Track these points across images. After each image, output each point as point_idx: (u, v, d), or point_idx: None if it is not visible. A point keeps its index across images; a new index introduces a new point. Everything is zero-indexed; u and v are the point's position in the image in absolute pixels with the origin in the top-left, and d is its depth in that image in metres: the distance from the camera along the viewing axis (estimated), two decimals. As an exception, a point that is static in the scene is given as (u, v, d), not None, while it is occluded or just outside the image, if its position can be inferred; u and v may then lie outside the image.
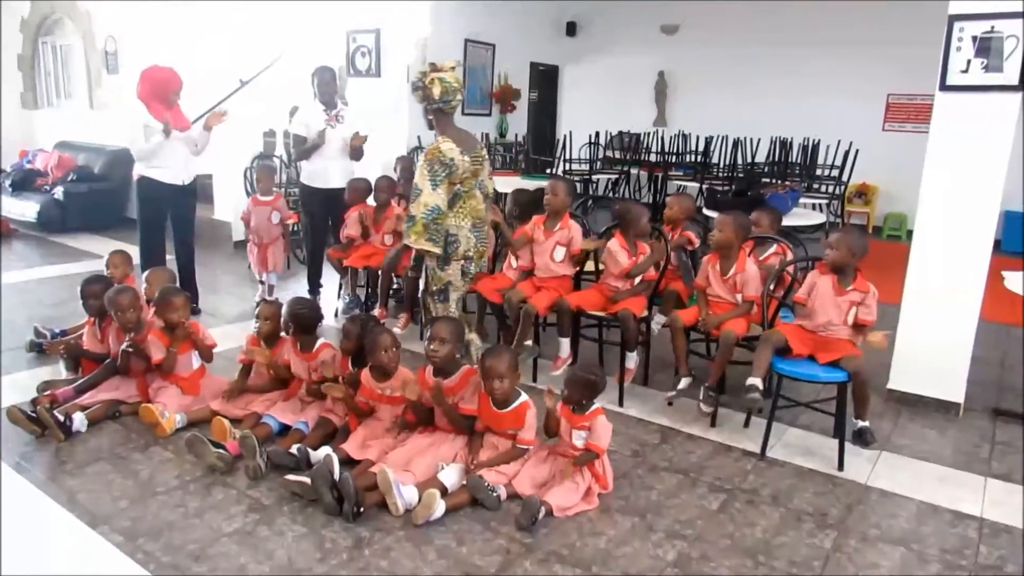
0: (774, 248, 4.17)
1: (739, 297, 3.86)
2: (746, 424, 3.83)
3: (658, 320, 4.26)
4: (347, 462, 3.12)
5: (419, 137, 9.11)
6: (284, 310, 3.71)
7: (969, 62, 3.73)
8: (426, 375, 3.31)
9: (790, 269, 3.87)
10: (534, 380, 4.34)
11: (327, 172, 5.51)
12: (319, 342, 3.68)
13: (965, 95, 3.78)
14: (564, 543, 2.76)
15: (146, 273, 4.35)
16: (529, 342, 4.23)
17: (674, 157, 11.09)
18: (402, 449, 3.19)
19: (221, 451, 3.17)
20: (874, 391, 3.73)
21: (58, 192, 8.32)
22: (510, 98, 11.68)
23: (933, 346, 4.02)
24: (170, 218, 5.30)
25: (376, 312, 5.08)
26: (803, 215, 7.02)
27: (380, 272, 5.12)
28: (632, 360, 4.17)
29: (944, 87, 3.83)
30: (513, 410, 3.12)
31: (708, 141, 10.42)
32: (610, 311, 4.07)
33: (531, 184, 7.30)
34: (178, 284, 4.53)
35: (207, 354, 3.84)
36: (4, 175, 9.01)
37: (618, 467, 3.29)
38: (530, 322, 4.21)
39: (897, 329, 4.15)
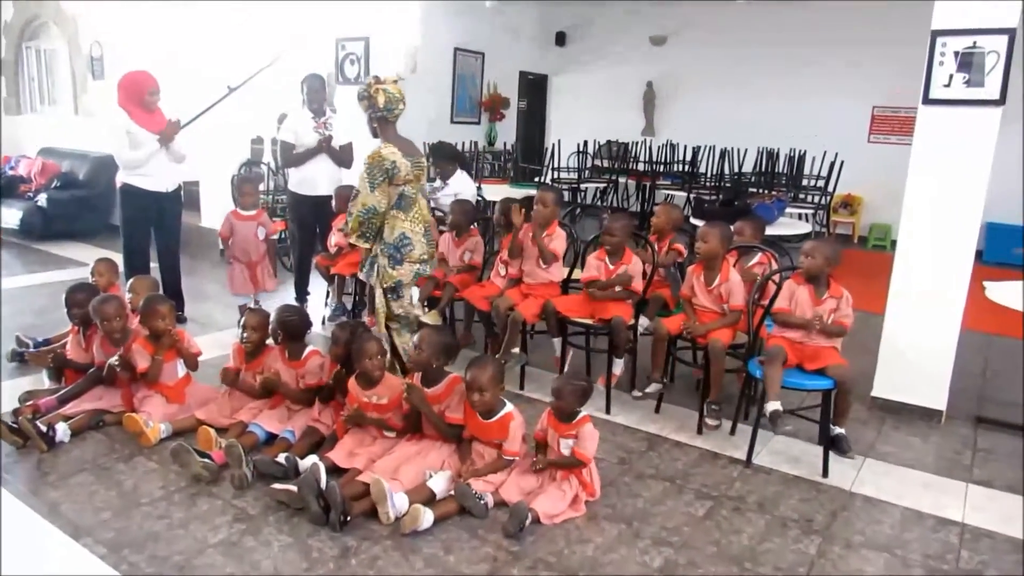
0: (758, 257, 4.20)
1: (725, 307, 3.89)
2: (732, 432, 3.85)
3: (643, 323, 4.28)
4: (334, 471, 3.11)
5: (407, 145, 9.12)
6: (272, 318, 3.69)
7: (951, 76, 3.79)
8: (414, 382, 3.31)
9: (776, 278, 3.90)
10: (521, 388, 4.35)
11: (315, 179, 5.51)
12: (307, 350, 3.68)
13: (947, 109, 3.84)
14: (551, 550, 2.77)
15: (130, 282, 4.32)
16: (516, 350, 4.24)
17: (662, 166, 11.14)
18: (389, 457, 3.18)
19: (206, 460, 3.16)
20: (858, 399, 3.77)
21: (41, 199, 8.25)
22: (499, 106, 11.72)
23: (916, 355, 4.07)
24: (154, 226, 5.26)
25: (365, 319, 5.08)
26: (789, 225, 7.06)
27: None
28: (619, 366, 4.19)
29: (927, 101, 3.89)
30: (498, 420, 3.13)
31: (696, 151, 10.48)
32: (598, 318, 4.09)
33: (519, 193, 7.33)
34: (162, 292, 4.52)
35: (192, 362, 3.82)
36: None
37: (605, 474, 3.30)
38: (517, 330, 4.22)
39: (881, 338, 4.19)
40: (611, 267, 4.17)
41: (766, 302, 3.77)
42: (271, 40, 7.67)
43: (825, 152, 9.59)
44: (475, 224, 5.05)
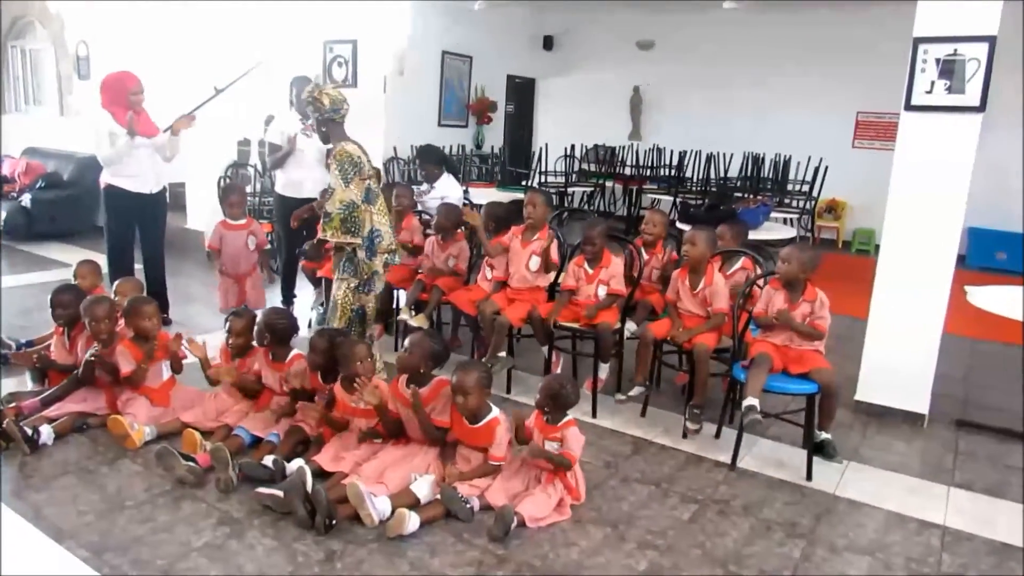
0: (741, 262, 4.22)
1: (710, 311, 3.91)
2: (717, 435, 3.87)
3: (630, 327, 4.30)
4: (320, 474, 3.10)
5: (395, 148, 9.13)
6: (259, 320, 3.69)
7: (933, 83, 3.84)
8: (400, 385, 3.31)
9: (760, 283, 3.92)
10: (508, 391, 4.35)
11: (302, 182, 5.50)
12: (292, 353, 3.67)
13: (929, 115, 3.89)
14: (537, 554, 2.77)
15: (116, 284, 4.30)
16: (503, 353, 4.25)
17: (648, 171, 11.20)
18: (375, 461, 3.18)
19: (191, 464, 3.14)
20: (842, 403, 3.79)
21: (25, 199, 8.18)
22: (486, 110, 11.74)
23: (899, 359, 4.10)
24: (139, 228, 5.22)
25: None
26: (774, 229, 7.12)
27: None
28: (604, 371, 4.21)
29: (909, 107, 3.93)
30: (484, 425, 3.14)
31: (682, 155, 10.53)
32: (584, 323, 4.10)
33: (506, 196, 7.35)
34: (146, 294, 4.49)
35: (177, 365, 3.81)
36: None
37: (591, 478, 3.31)
38: (504, 334, 4.23)
39: (864, 342, 4.23)
40: (591, 272, 4.18)
41: (751, 307, 3.80)
42: (258, 41, 7.66)
43: (810, 157, 9.68)
44: (462, 228, 5.05)
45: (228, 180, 7.19)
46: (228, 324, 3.77)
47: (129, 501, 3.00)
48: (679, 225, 6.82)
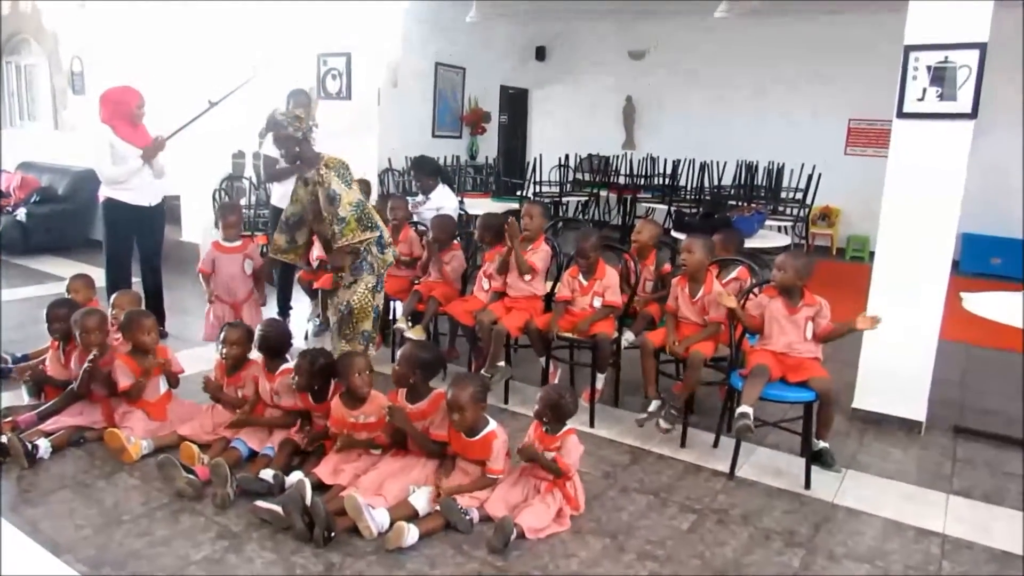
0: (736, 272, 4.22)
1: (706, 319, 3.92)
2: (715, 444, 3.87)
3: (628, 338, 4.30)
4: (319, 487, 3.09)
5: (389, 159, 9.14)
6: (256, 332, 3.68)
7: (925, 91, 3.86)
8: (399, 398, 3.31)
9: (756, 291, 3.93)
10: (505, 402, 4.35)
11: None
12: (283, 366, 3.65)
13: (921, 122, 3.91)
14: (536, 565, 2.77)
15: (113, 297, 4.29)
16: (501, 363, 4.25)
17: (642, 180, 11.24)
18: (374, 473, 3.17)
19: (191, 476, 3.13)
20: (839, 411, 3.80)
21: (20, 213, 8.17)
22: (480, 120, 11.78)
23: (895, 366, 4.11)
24: (137, 240, 5.23)
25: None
26: (769, 237, 7.14)
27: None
28: (601, 381, 4.21)
29: (901, 114, 3.96)
30: (481, 439, 3.12)
31: (676, 164, 10.58)
32: (580, 334, 4.10)
33: (501, 207, 7.36)
34: (144, 307, 4.48)
35: (174, 380, 3.80)
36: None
37: (589, 488, 3.31)
38: (502, 344, 4.23)
39: (860, 349, 4.23)
40: (585, 284, 4.19)
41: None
42: (252, 55, 7.68)
43: (803, 165, 9.73)
44: (458, 238, 5.06)
45: (223, 192, 7.20)
46: (223, 335, 3.76)
47: (126, 515, 2.99)
48: (674, 234, 6.85)
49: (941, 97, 3.82)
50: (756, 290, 3.89)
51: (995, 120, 7.39)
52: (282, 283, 5.81)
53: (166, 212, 5.47)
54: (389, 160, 9.16)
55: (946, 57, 3.78)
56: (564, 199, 10.64)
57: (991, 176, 8.58)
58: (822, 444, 3.51)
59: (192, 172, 7.30)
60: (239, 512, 3.02)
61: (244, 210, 7.48)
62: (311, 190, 3.98)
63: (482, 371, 4.14)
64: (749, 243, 6.25)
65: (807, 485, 3.45)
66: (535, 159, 10.51)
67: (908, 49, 3.89)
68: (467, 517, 2.94)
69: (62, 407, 3.69)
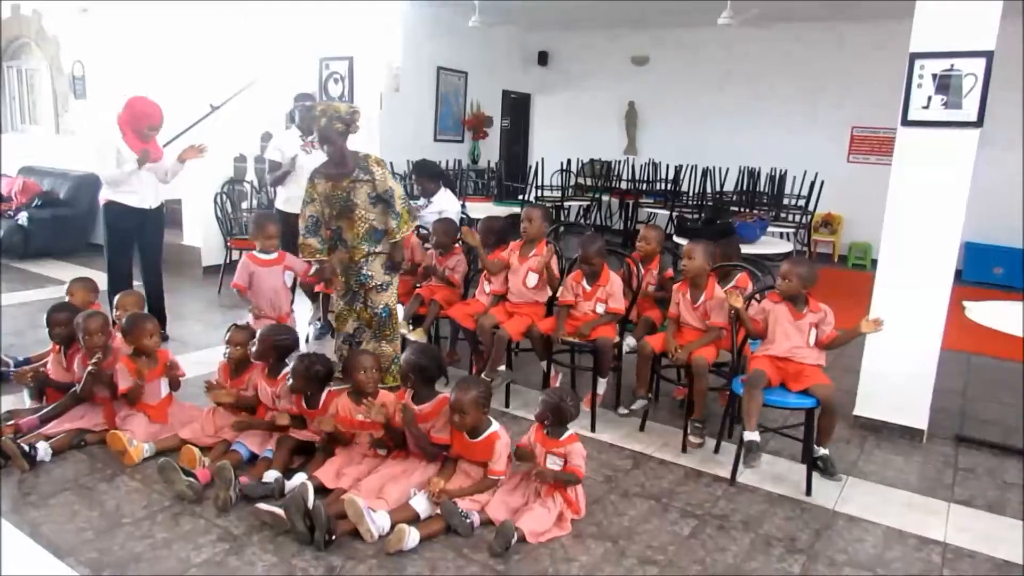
0: (736, 279, 4.21)
1: (707, 324, 3.92)
2: (716, 450, 3.87)
3: (629, 343, 4.30)
4: (320, 490, 3.09)
5: (391, 164, 9.14)
6: (270, 337, 3.65)
7: (930, 98, 3.85)
8: (406, 399, 3.31)
9: (758, 297, 3.93)
10: (507, 405, 4.35)
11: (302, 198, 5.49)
12: (284, 370, 3.65)
13: (926, 130, 3.90)
14: (537, 569, 2.76)
15: (117, 297, 4.30)
16: (502, 367, 4.25)
17: (644, 185, 11.25)
18: (375, 476, 3.17)
19: (191, 480, 3.13)
20: (840, 418, 3.79)
21: (22, 217, 8.17)
22: (482, 125, 11.79)
23: (897, 374, 4.11)
24: (137, 243, 5.24)
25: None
26: (771, 244, 7.14)
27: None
28: (602, 386, 4.21)
29: (906, 122, 3.95)
30: (483, 440, 3.13)
31: (678, 170, 10.59)
32: (582, 339, 4.11)
33: (503, 211, 7.37)
34: (147, 310, 4.49)
35: (175, 383, 3.80)
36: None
37: (591, 493, 3.31)
38: (503, 347, 4.23)
39: (862, 357, 4.23)
40: (588, 289, 4.19)
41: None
42: (254, 59, 7.70)
43: (805, 172, 9.74)
44: (459, 242, 5.07)
45: (225, 196, 7.20)
46: (228, 336, 3.77)
47: (128, 518, 2.99)
48: (676, 239, 6.85)
49: (946, 105, 3.81)
50: (757, 296, 3.89)
51: (997, 129, 7.38)
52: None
53: (167, 215, 5.47)
54: (391, 164, 9.14)
55: (952, 65, 3.78)
56: (566, 204, 10.64)
57: (993, 185, 8.59)
58: (823, 451, 3.51)
59: (193, 176, 7.30)
60: (240, 515, 3.02)
61: (245, 214, 7.50)
62: (346, 187, 4.03)
63: (483, 375, 4.13)
64: (751, 249, 6.26)
65: (808, 492, 3.44)
66: (537, 163, 10.52)
67: (913, 57, 3.89)
68: (468, 520, 2.94)
69: (64, 410, 3.70)
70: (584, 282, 4.20)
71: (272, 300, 4.43)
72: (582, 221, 11.19)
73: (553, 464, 3.08)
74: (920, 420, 4.13)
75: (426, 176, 5.82)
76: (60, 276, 7.12)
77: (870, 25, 9.57)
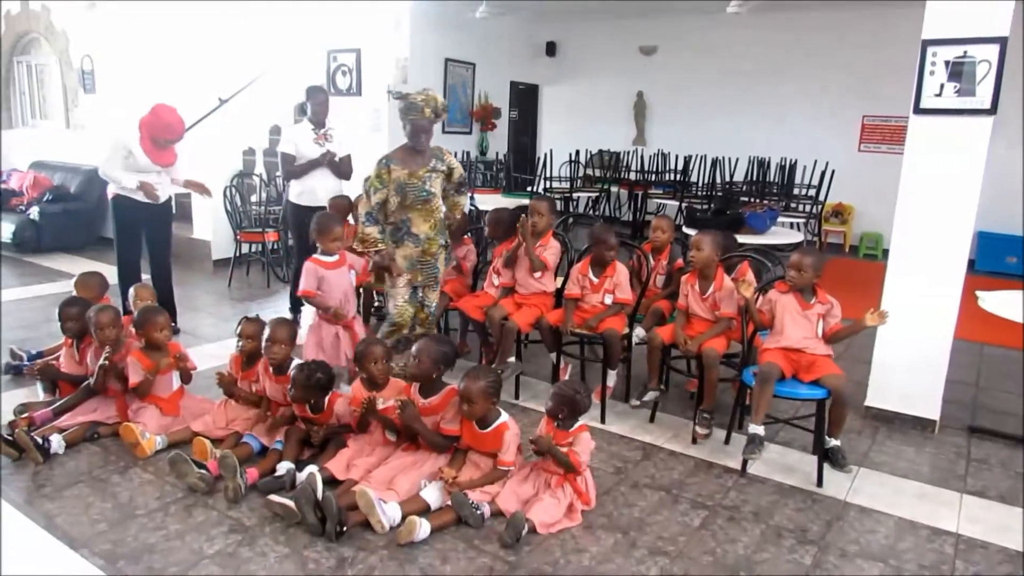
0: (736, 269, 4.19)
1: (717, 315, 3.91)
2: (727, 441, 3.86)
3: (639, 334, 4.30)
4: (330, 481, 3.10)
5: (400, 156, 9.14)
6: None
7: (942, 86, 3.81)
8: (412, 392, 3.31)
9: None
10: (516, 397, 4.35)
11: (316, 191, 5.52)
12: (292, 363, 3.65)
13: (938, 118, 3.86)
14: (548, 560, 2.77)
15: (132, 289, 4.33)
16: (512, 359, 4.25)
17: (653, 176, 11.21)
18: (385, 467, 3.18)
19: (203, 471, 3.15)
20: (852, 409, 3.78)
21: (33, 212, 8.22)
22: (490, 116, 11.77)
23: (909, 364, 4.08)
24: (146, 237, 5.27)
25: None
26: (781, 234, 7.10)
27: (361, 290, 5.12)
28: (612, 377, 4.20)
29: (918, 110, 3.91)
30: (492, 431, 3.13)
31: (687, 160, 10.54)
32: (590, 330, 4.10)
33: (511, 202, 7.35)
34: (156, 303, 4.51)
35: (187, 376, 3.82)
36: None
37: (601, 484, 3.31)
38: (512, 339, 4.23)
39: (874, 347, 4.21)
40: (596, 281, 4.18)
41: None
42: (262, 52, 7.70)
43: (816, 161, 9.68)
44: (468, 233, 5.07)
45: (234, 189, 7.21)
46: (240, 328, 3.77)
47: (141, 510, 3.01)
48: (685, 230, 6.83)
49: (959, 92, 3.76)
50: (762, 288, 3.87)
51: (1010, 116, 7.32)
52: (296, 279, 5.82)
53: (177, 210, 5.49)
54: (400, 157, 9.16)
55: (965, 52, 3.73)
56: (575, 195, 10.63)
57: (1006, 174, 8.52)
58: (834, 442, 3.49)
59: (202, 169, 7.32)
60: (252, 506, 3.03)
61: (254, 207, 7.52)
62: (422, 176, 4.06)
63: (492, 366, 4.13)
64: (761, 240, 6.23)
65: (819, 483, 3.43)
66: (545, 155, 10.49)
67: (926, 44, 3.84)
68: (478, 512, 2.94)
69: (77, 403, 3.72)
70: (591, 274, 4.19)
71: (343, 302, 4.18)
72: (591, 212, 11.18)
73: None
74: (932, 411, 4.11)
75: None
76: (71, 270, 7.15)
77: (881, 12, 9.47)
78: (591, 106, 12.61)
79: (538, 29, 12.51)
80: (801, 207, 9.37)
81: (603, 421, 4.04)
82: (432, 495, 3.01)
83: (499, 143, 12.13)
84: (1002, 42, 3.65)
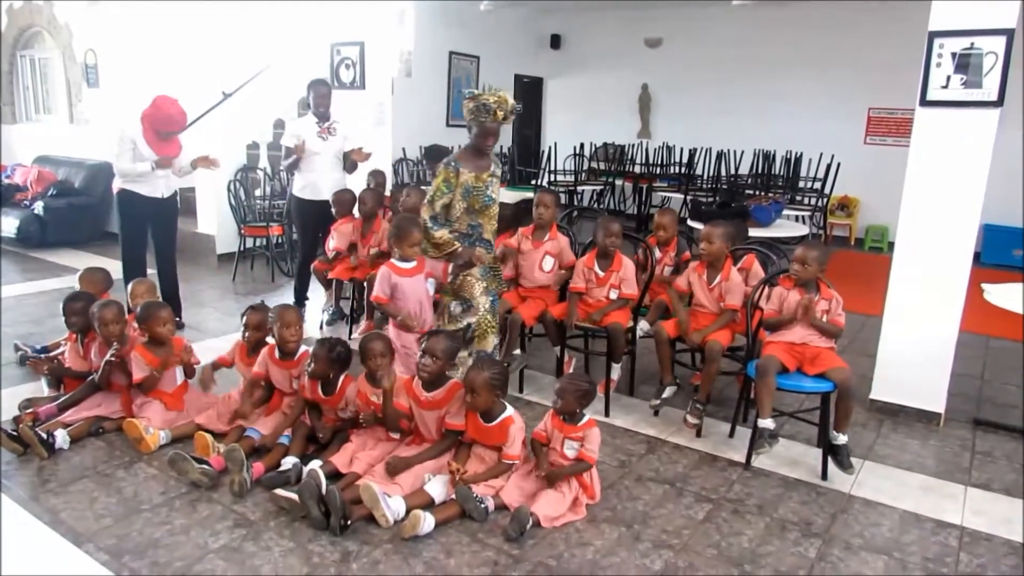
0: (743, 261, 4.18)
1: (722, 306, 3.90)
2: (731, 434, 3.85)
3: (642, 327, 4.29)
4: (334, 475, 3.11)
5: (403, 149, 9.14)
6: (312, 352, 3.54)
7: (949, 78, 3.78)
8: (413, 386, 3.32)
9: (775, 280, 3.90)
10: (520, 391, 4.35)
11: (318, 185, 5.51)
12: (300, 351, 3.66)
13: (945, 110, 3.84)
14: (552, 554, 2.77)
15: (130, 285, 4.33)
16: (517, 351, 4.25)
17: (658, 169, 11.18)
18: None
19: (205, 467, 3.15)
20: (857, 402, 3.76)
21: (38, 207, 8.24)
22: (494, 110, 11.72)
23: (914, 357, 4.07)
24: (151, 231, 5.27)
25: (363, 325, 5.09)
26: (786, 227, 7.09)
27: (365, 284, 5.12)
28: (616, 371, 4.20)
29: (924, 102, 3.89)
30: (498, 424, 3.13)
31: (692, 153, 10.51)
32: (593, 324, 4.10)
33: (516, 195, 7.34)
34: (160, 297, 4.51)
35: (190, 371, 3.83)
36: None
37: (605, 477, 3.31)
38: (517, 332, 4.23)
39: (879, 340, 4.20)
40: (601, 275, 4.17)
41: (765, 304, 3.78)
42: (265, 45, 7.69)
43: (821, 154, 9.64)
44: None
45: (238, 184, 7.20)
46: (245, 318, 3.78)
47: (146, 504, 3.02)
48: (690, 223, 6.81)
49: (966, 84, 3.74)
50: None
51: (1015, 109, 7.27)
52: (301, 274, 5.84)
53: (181, 204, 5.48)
54: (403, 150, 9.16)
55: (972, 43, 3.70)
56: (579, 188, 10.60)
57: (1012, 166, 8.47)
58: (841, 439, 3.42)
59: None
60: (256, 501, 3.04)
61: (258, 201, 7.52)
62: (486, 179, 3.94)
63: (498, 360, 4.13)
64: (767, 232, 6.22)
65: (824, 476, 3.43)
66: (550, 148, 10.47)
67: (932, 35, 3.81)
68: (482, 505, 2.95)
69: (82, 398, 3.73)
70: (597, 267, 4.18)
71: (420, 313, 3.90)
72: (595, 205, 11.15)
73: (570, 449, 3.08)
74: (937, 404, 4.10)
75: (437, 160, 5.76)
76: (76, 265, 7.16)
77: (887, 4, 9.41)
78: (595, 99, 12.56)
79: (542, 22, 12.47)
80: (806, 200, 9.34)
81: (607, 415, 4.04)
82: (436, 489, 3.02)
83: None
84: (1009, 34, 3.63)
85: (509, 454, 3.13)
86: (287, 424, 3.51)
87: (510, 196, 7.32)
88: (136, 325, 3.81)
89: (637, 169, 11.44)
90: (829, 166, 9.27)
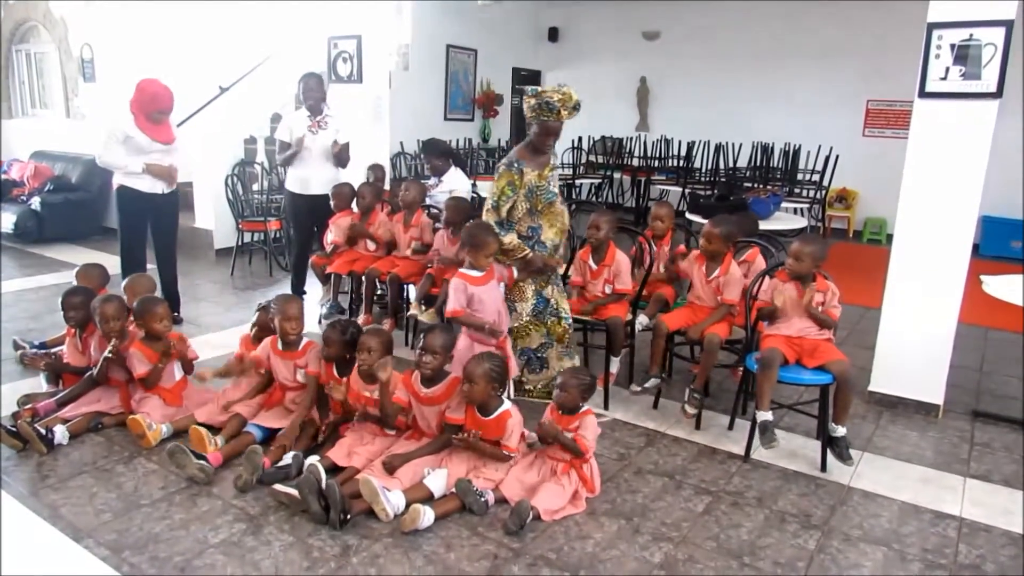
0: (746, 254, 4.17)
1: (719, 299, 3.90)
2: (730, 427, 3.86)
3: (641, 321, 4.29)
4: (334, 469, 3.11)
5: (401, 143, 9.12)
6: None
7: (948, 69, 3.78)
8: (412, 380, 3.31)
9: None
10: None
11: (312, 179, 5.50)
12: (304, 341, 3.64)
13: (944, 102, 3.83)
14: (552, 547, 2.77)
15: (126, 281, 4.32)
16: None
17: (656, 161, 11.17)
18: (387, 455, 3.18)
19: (203, 463, 3.15)
20: (856, 393, 3.77)
21: (35, 202, 8.21)
22: (493, 103, 11.72)
23: (913, 349, 4.08)
24: (151, 227, 5.25)
25: (361, 319, 5.08)
26: (785, 219, 7.08)
27: (364, 278, 5.12)
28: (615, 364, 4.20)
29: (923, 94, 3.88)
30: (495, 418, 3.13)
31: (690, 146, 10.50)
32: (588, 315, 4.09)
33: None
34: (159, 293, 4.50)
35: (188, 366, 3.82)
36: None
37: (604, 470, 3.31)
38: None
39: (878, 332, 4.20)
40: (595, 268, 4.16)
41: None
42: (262, 40, 7.66)
43: (820, 146, 9.63)
44: (470, 221, 5.04)
45: (236, 178, 7.18)
46: (255, 317, 3.78)
47: (145, 499, 3.02)
48: (689, 216, 6.81)
49: (965, 76, 3.73)
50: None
51: (1014, 100, 7.26)
52: (297, 267, 5.83)
53: (180, 199, 5.46)
54: (401, 144, 9.14)
55: (971, 35, 3.70)
56: (577, 181, 10.59)
57: (1010, 158, 8.46)
58: (840, 431, 3.42)
59: (204, 158, 7.31)
60: (256, 495, 3.04)
61: (256, 196, 7.51)
62: (547, 176, 3.87)
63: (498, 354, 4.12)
64: (765, 225, 6.21)
65: (823, 468, 3.44)
66: (548, 142, 10.42)
67: (931, 27, 3.81)
68: (482, 499, 2.95)
69: (81, 393, 3.73)
70: (591, 260, 4.17)
71: (496, 321, 3.70)
72: (594, 199, 11.14)
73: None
74: (936, 395, 4.11)
75: (436, 154, 5.78)
76: (74, 260, 7.14)
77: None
78: (594, 92, 12.48)
79: (540, 15, 12.44)
80: (805, 192, 9.33)
81: (607, 408, 4.04)
82: (436, 483, 3.01)
83: (501, 130, 12.09)
84: (1008, 25, 3.62)
85: (507, 446, 3.13)
86: (299, 419, 3.49)
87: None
88: (133, 320, 3.80)
89: (635, 162, 11.43)
90: (828, 158, 9.26)
